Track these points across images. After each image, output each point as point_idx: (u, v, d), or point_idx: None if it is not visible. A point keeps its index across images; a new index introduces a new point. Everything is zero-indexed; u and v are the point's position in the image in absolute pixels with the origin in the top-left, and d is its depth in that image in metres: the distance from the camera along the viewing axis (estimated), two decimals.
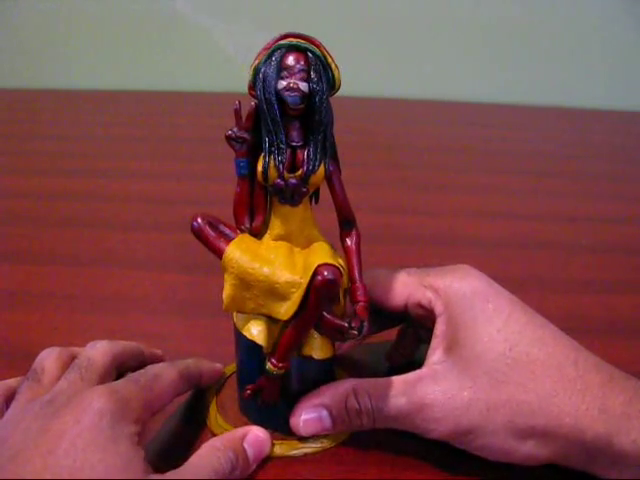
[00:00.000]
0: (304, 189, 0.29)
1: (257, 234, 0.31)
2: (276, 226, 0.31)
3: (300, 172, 0.28)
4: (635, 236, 0.60)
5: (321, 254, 0.30)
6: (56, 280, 0.51)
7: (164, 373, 0.32)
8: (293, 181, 0.28)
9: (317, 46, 0.28)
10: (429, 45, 1.04)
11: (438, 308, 0.33)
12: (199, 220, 0.31)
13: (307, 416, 0.32)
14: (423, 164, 0.79)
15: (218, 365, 0.37)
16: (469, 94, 1.04)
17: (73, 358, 0.32)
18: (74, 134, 0.90)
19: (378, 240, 0.58)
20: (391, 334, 0.39)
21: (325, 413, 0.32)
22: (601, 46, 1.02)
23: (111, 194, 0.68)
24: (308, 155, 0.28)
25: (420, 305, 0.34)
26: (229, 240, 0.30)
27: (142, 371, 0.32)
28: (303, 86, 0.27)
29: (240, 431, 0.32)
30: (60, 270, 0.52)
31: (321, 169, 0.29)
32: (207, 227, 0.31)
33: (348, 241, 0.31)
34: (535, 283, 0.51)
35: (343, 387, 0.32)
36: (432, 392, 0.30)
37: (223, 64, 1.05)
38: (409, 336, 0.39)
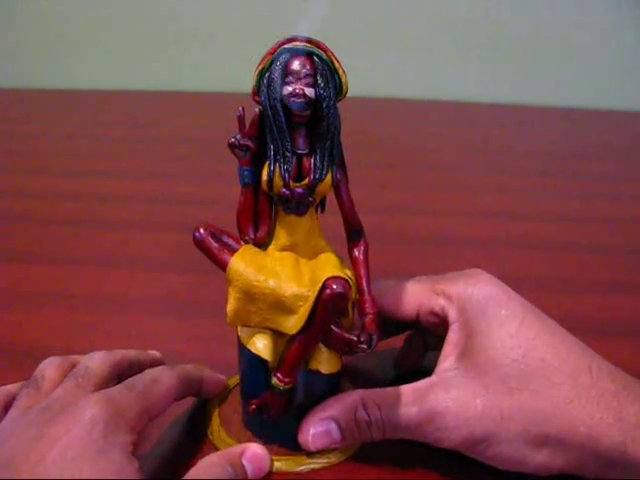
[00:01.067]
0: (310, 199, 0.28)
1: (262, 245, 0.30)
2: (281, 236, 0.30)
3: (307, 181, 0.28)
4: (635, 236, 0.60)
5: (329, 266, 0.29)
6: (56, 280, 0.51)
7: (162, 378, 0.31)
8: (299, 190, 0.28)
9: (324, 50, 0.27)
10: (429, 45, 1.04)
11: (452, 315, 0.32)
12: (201, 231, 0.30)
13: (315, 430, 0.31)
14: (423, 164, 0.79)
15: (221, 376, 0.36)
16: (469, 94, 1.04)
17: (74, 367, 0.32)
18: (74, 134, 0.90)
19: (378, 240, 0.57)
20: (397, 341, 0.39)
21: (334, 426, 0.31)
22: (601, 46, 1.02)
23: (111, 194, 0.68)
24: (315, 163, 0.28)
25: (433, 313, 0.33)
26: (233, 251, 0.29)
27: (139, 376, 0.31)
28: (309, 92, 0.26)
29: (239, 447, 0.31)
30: (60, 270, 0.52)
31: (328, 178, 0.28)
32: (210, 238, 0.30)
33: (356, 252, 0.30)
34: (534, 283, 0.51)
35: (351, 398, 0.31)
36: (444, 400, 0.29)
37: (223, 64, 1.05)
38: (417, 343, 0.38)
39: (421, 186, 0.72)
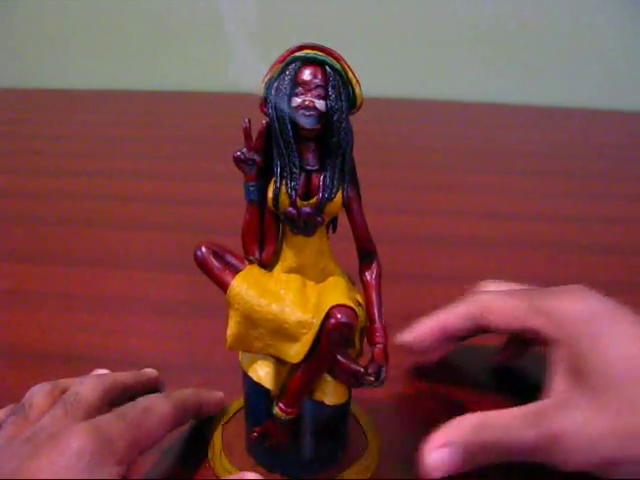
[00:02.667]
0: (319, 219, 0.26)
1: (267, 265, 0.29)
2: (288, 257, 0.28)
3: (315, 200, 0.26)
4: (635, 236, 0.60)
5: (336, 291, 0.27)
6: (56, 280, 0.51)
7: (156, 406, 0.29)
8: (306, 210, 0.26)
9: (337, 59, 0.25)
10: (429, 45, 1.04)
11: (552, 333, 0.32)
12: (203, 249, 0.28)
13: (435, 455, 0.30)
14: (422, 164, 0.79)
15: (219, 394, 0.35)
16: (469, 94, 1.04)
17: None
18: (74, 134, 0.90)
19: (377, 240, 0.58)
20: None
21: (454, 450, 0.30)
22: (601, 46, 1.02)
23: (111, 194, 0.68)
24: (324, 181, 0.26)
25: (531, 329, 0.33)
26: (236, 272, 0.28)
27: (130, 404, 0.29)
28: (320, 104, 0.24)
29: (236, 476, 0.30)
30: (60, 270, 0.52)
31: (338, 197, 0.26)
32: (211, 257, 0.28)
33: (368, 275, 0.28)
34: (535, 283, 0.51)
35: (468, 421, 0.30)
36: (564, 422, 0.29)
37: (223, 64, 1.05)
38: (517, 341, 0.38)
39: (421, 186, 0.72)
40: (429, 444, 0.30)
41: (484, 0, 1.01)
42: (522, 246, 0.57)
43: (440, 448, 0.30)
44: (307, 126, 0.25)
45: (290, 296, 0.27)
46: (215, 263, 0.28)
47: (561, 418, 0.29)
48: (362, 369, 0.27)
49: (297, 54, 0.25)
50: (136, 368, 0.36)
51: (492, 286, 0.39)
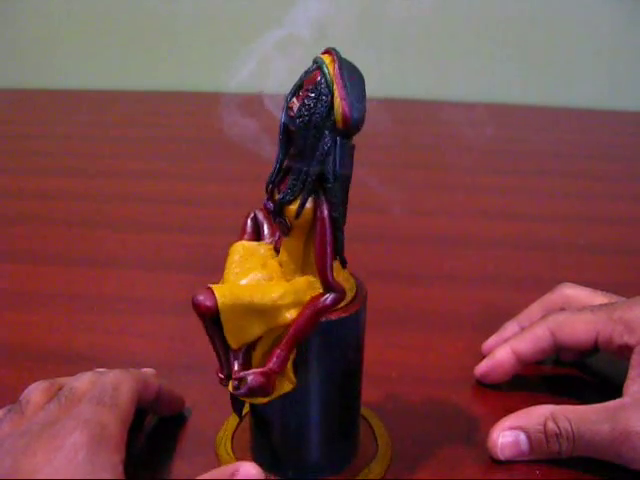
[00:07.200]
0: (279, 219, 0.27)
1: (278, 250, 0.30)
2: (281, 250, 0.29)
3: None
4: (634, 236, 0.60)
5: (266, 286, 0.27)
6: (56, 280, 0.51)
7: (122, 383, 0.30)
8: (268, 204, 0.27)
9: (333, 69, 0.24)
10: (430, 45, 1.04)
11: (632, 340, 0.33)
12: (250, 213, 0.31)
13: (504, 439, 0.31)
14: (423, 164, 0.79)
15: (178, 394, 0.35)
16: (469, 94, 1.04)
17: None
18: (74, 134, 0.90)
19: (378, 240, 0.58)
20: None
21: (523, 437, 0.31)
22: (601, 46, 1.02)
23: (110, 194, 0.68)
24: (287, 184, 0.26)
25: (612, 340, 0.34)
26: (255, 239, 0.30)
27: (98, 386, 0.29)
28: (296, 107, 0.25)
29: (231, 467, 0.28)
30: (60, 270, 0.52)
31: (294, 206, 0.26)
32: (249, 220, 0.31)
33: (309, 305, 0.26)
34: (534, 283, 0.51)
35: (540, 411, 0.31)
36: (638, 420, 0.29)
37: (223, 64, 1.05)
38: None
39: (421, 186, 0.72)
40: (498, 426, 0.31)
41: (486, 1, 1.01)
42: (522, 246, 0.57)
43: (509, 431, 0.31)
44: (284, 123, 0.25)
45: (245, 279, 0.28)
46: (248, 223, 0.31)
47: (636, 416, 0.29)
48: (234, 369, 0.27)
49: (317, 56, 0.25)
50: (136, 368, 0.36)
51: (569, 290, 0.40)
